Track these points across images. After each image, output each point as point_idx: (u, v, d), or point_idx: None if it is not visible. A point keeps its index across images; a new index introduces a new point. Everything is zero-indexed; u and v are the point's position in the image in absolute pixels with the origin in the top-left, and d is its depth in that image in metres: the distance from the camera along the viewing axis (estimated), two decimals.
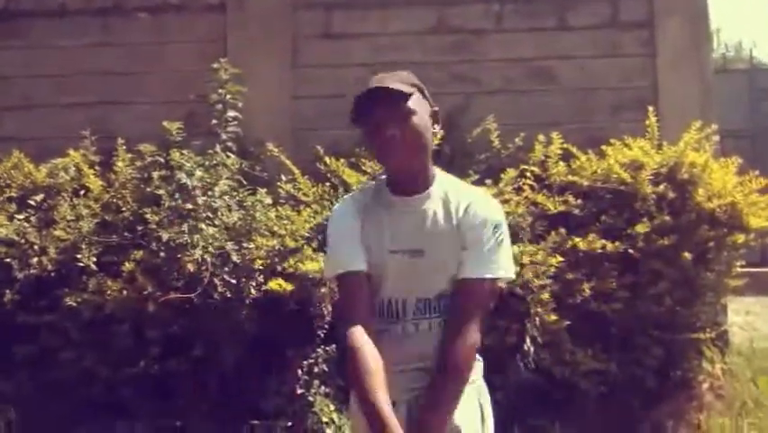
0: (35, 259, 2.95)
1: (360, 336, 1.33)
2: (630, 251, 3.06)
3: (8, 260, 2.96)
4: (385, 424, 1.24)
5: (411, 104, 1.38)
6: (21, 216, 3.11)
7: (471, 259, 1.39)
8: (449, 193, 1.44)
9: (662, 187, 3.15)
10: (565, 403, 2.99)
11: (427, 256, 1.40)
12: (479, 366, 1.49)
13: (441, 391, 1.34)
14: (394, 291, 1.42)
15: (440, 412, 1.33)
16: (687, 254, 3.07)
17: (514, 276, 1.45)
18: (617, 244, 3.04)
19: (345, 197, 1.58)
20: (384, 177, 1.49)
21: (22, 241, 3.02)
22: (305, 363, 2.85)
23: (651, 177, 3.16)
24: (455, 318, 1.39)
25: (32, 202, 3.17)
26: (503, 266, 1.42)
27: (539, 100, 3.82)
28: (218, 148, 3.15)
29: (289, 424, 2.78)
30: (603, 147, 3.35)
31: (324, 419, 2.75)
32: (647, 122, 3.37)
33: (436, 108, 1.46)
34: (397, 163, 1.40)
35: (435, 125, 1.45)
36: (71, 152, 3.37)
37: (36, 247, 3.00)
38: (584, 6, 3.90)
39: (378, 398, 1.27)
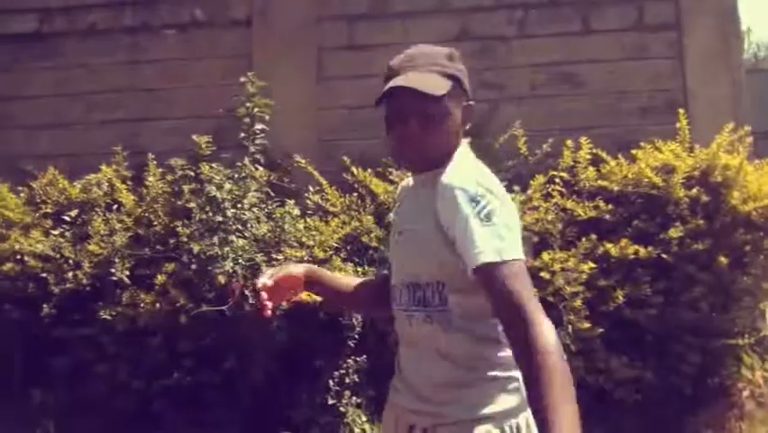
0: (70, 273, 3.01)
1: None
2: (663, 256, 3.00)
3: (44, 274, 3.03)
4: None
5: (442, 106, 1.21)
6: (56, 232, 3.17)
7: (460, 247, 1.14)
8: (444, 171, 1.23)
9: (695, 190, 3.09)
10: (600, 412, 2.93)
11: (404, 234, 1.29)
12: (508, 398, 1.19)
13: (542, 383, 1.00)
14: (395, 276, 1.32)
15: (562, 406, 0.99)
16: (722, 259, 3.01)
17: (518, 256, 1.12)
18: (649, 249, 2.99)
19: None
20: None
21: (58, 256, 3.08)
22: (336, 373, 2.85)
23: (683, 180, 3.11)
24: (500, 315, 1.11)
25: (66, 218, 3.24)
26: (495, 247, 1.10)
27: (566, 105, 3.79)
28: (246, 161, 3.19)
29: None
30: (633, 151, 3.30)
31: (357, 430, 2.74)
32: (678, 124, 3.31)
33: (472, 102, 1.29)
34: (412, 163, 1.29)
35: (467, 121, 1.28)
36: (104, 167, 3.44)
37: (71, 262, 3.06)
38: (609, 9, 3.86)
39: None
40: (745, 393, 3.16)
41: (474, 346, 1.21)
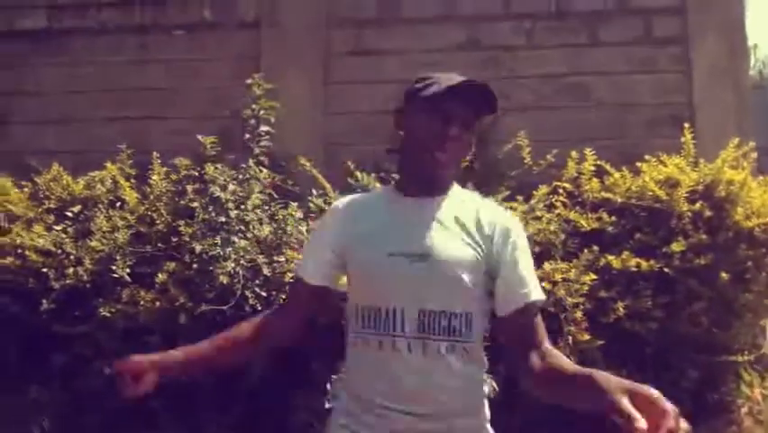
0: (71, 269, 3.01)
1: (246, 322, 1.41)
2: (665, 269, 2.99)
3: (45, 270, 3.03)
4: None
5: (486, 119, 1.34)
6: (58, 228, 3.18)
7: (509, 287, 1.25)
8: (465, 201, 1.32)
9: (698, 205, 3.09)
10: (598, 425, 2.92)
11: (431, 262, 1.22)
12: (484, 409, 1.34)
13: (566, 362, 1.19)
14: (388, 299, 1.23)
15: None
16: (724, 274, 3.00)
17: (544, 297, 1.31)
18: (651, 262, 2.99)
19: (342, 199, 1.42)
20: (394, 182, 1.38)
21: (59, 251, 3.08)
22: (333, 377, 2.84)
23: (687, 194, 3.10)
24: (525, 347, 1.24)
25: (69, 213, 3.24)
26: (537, 284, 1.30)
27: (571, 116, 3.79)
28: (251, 162, 3.19)
29: None
30: (638, 164, 3.30)
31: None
32: (683, 138, 3.31)
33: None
34: (446, 162, 1.27)
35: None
36: (108, 165, 3.45)
37: (72, 258, 3.06)
38: (616, 22, 3.87)
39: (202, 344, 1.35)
40: (744, 410, 3.14)
41: (478, 374, 1.31)
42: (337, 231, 1.33)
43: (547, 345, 1.24)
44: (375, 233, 1.28)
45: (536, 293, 1.27)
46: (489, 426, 1.34)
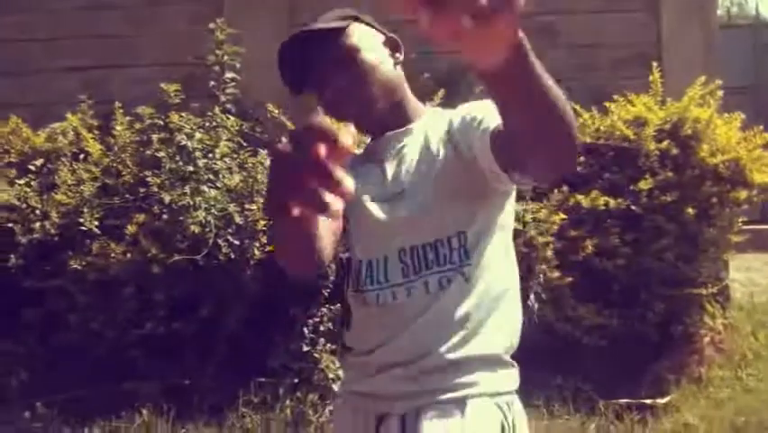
0: (38, 224, 2.95)
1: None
2: (633, 207, 3.06)
3: (10, 225, 2.96)
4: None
5: (350, 39, 1.10)
6: (21, 182, 3.09)
7: (483, 125, 1.02)
8: (435, 121, 1.14)
9: (665, 143, 3.13)
10: (568, 357, 3.02)
11: (408, 196, 1.10)
12: (507, 375, 1.12)
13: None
14: (371, 250, 1.12)
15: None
16: (690, 210, 3.07)
17: None
18: (619, 200, 3.04)
19: None
20: None
21: (24, 206, 3.01)
22: (310, 321, 2.88)
23: (654, 133, 3.14)
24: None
25: (31, 167, 3.15)
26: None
27: (541, 57, 3.75)
28: (217, 110, 3.12)
29: (296, 381, 2.82)
30: (606, 104, 3.32)
31: (330, 376, 2.78)
32: (651, 78, 3.33)
33: (392, 35, 1.18)
34: (360, 116, 1.08)
35: (397, 54, 1.16)
36: (69, 116, 3.34)
37: (38, 212, 2.99)
38: None
39: None
40: (706, 340, 3.28)
41: (489, 307, 1.10)
42: None
43: None
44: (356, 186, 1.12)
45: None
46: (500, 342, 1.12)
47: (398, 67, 1.17)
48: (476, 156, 1.04)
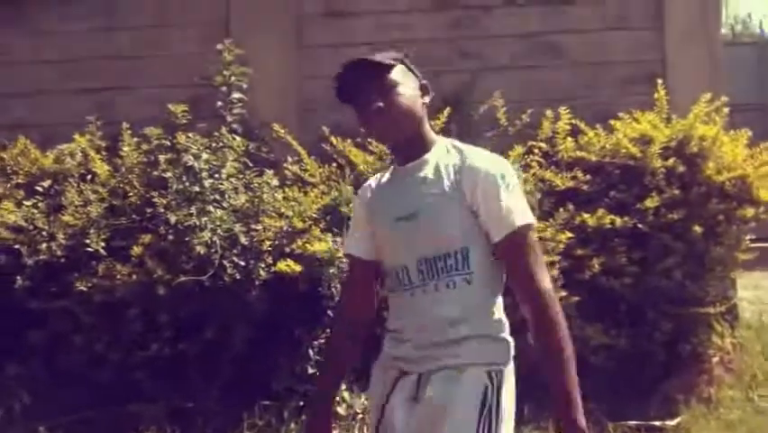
0: (44, 245, 2.96)
1: (336, 332, 1.62)
2: (639, 226, 3.04)
3: (17, 246, 2.97)
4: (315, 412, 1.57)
5: (394, 75, 1.42)
6: (29, 203, 3.11)
7: (493, 219, 1.38)
8: (444, 156, 1.46)
9: (671, 161, 3.13)
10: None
11: (420, 218, 1.41)
12: (500, 347, 1.44)
13: (549, 350, 1.35)
14: (399, 259, 1.45)
15: (563, 372, 1.33)
16: (697, 228, 3.06)
17: (535, 221, 1.43)
18: (626, 219, 3.03)
19: (366, 183, 1.65)
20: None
21: (31, 227, 3.02)
22: (315, 343, 2.87)
23: (660, 151, 3.14)
24: (516, 278, 1.40)
25: (39, 188, 3.17)
26: (522, 211, 1.39)
27: (546, 76, 3.78)
28: (224, 130, 3.14)
29: (301, 403, 2.80)
30: (612, 122, 3.32)
31: (336, 399, 2.76)
32: (656, 95, 3.33)
33: (425, 82, 1.49)
34: (386, 134, 1.45)
35: (426, 96, 1.48)
36: (77, 137, 3.36)
37: (45, 233, 3.00)
38: None
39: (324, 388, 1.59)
40: (715, 359, 3.24)
41: (484, 303, 1.43)
42: (364, 207, 1.55)
43: (540, 285, 1.37)
44: (385, 206, 1.49)
45: (519, 219, 1.38)
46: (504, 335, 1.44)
47: (424, 107, 1.47)
48: (487, 231, 1.40)
